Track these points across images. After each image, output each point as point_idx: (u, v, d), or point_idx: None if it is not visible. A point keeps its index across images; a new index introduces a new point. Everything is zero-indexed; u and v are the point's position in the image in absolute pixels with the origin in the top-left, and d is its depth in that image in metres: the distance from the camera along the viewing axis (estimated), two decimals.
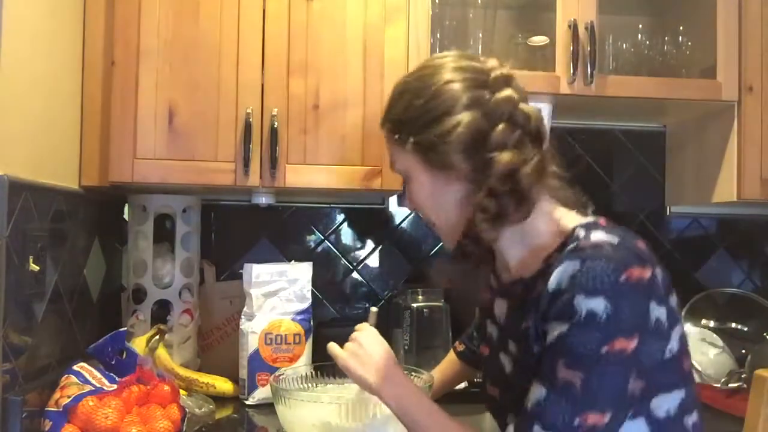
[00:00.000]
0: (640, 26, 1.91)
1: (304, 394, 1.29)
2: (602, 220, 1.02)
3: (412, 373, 1.31)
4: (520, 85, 1.05)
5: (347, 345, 1.13)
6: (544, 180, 1.02)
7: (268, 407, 1.48)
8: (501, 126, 0.99)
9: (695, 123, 1.98)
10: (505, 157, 0.98)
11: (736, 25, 1.77)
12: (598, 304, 0.88)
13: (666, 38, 1.91)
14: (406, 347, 1.77)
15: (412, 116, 1.04)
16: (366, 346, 1.11)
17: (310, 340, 1.67)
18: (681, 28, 1.90)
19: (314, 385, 1.38)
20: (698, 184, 1.94)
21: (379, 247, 2.06)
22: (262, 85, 1.61)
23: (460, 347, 1.47)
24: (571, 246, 0.95)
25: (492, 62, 1.06)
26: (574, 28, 1.68)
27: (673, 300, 0.97)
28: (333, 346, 1.13)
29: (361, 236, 2.06)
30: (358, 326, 1.17)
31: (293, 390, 1.30)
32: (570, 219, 1.03)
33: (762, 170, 1.76)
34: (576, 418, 0.89)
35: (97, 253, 1.71)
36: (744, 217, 2.19)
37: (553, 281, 0.93)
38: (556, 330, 0.92)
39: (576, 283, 0.90)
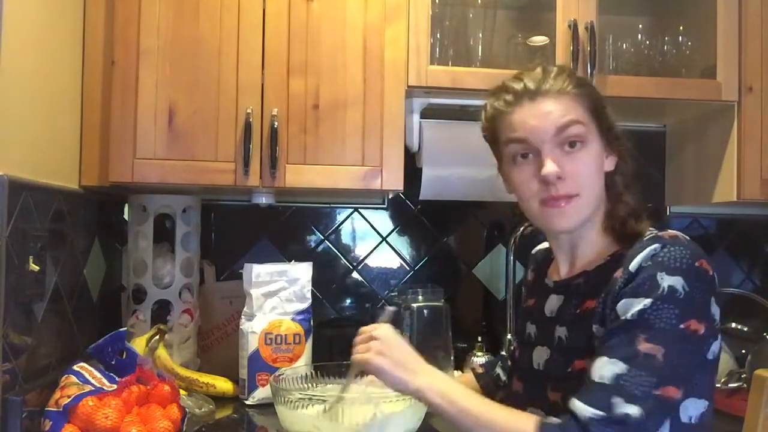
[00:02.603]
0: (640, 26, 1.91)
1: (304, 394, 1.29)
2: None
3: None
4: None
5: (369, 345, 1.07)
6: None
7: (268, 407, 1.48)
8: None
9: (695, 123, 1.97)
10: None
11: (736, 25, 1.77)
12: (677, 282, 0.95)
13: (666, 38, 1.91)
14: None
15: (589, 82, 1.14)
16: (391, 345, 1.07)
17: (310, 340, 1.67)
18: (681, 28, 1.90)
19: (314, 385, 1.37)
20: (698, 184, 1.94)
21: (379, 247, 2.06)
22: (262, 85, 1.61)
23: (480, 370, 1.45)
24: (650, 235, 1.03)
25: None
26: (574, 28, 1.68)
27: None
28: (356, 354, 1.09)
29: (361, 236, 2.06)
30: (370, 326, 1.12)
31: (293, 390, 1.30)
32: (640, 225, 1.08)
33: (762, 170, 1.76)
34: (657, 390, 0.92)
35: (97, 253, 1.71)
36: (744, 217, 2.18)
37: (634, 262, 0.99)
38: (636, 306, 0.96)
39: (658, 261, 0.97)
